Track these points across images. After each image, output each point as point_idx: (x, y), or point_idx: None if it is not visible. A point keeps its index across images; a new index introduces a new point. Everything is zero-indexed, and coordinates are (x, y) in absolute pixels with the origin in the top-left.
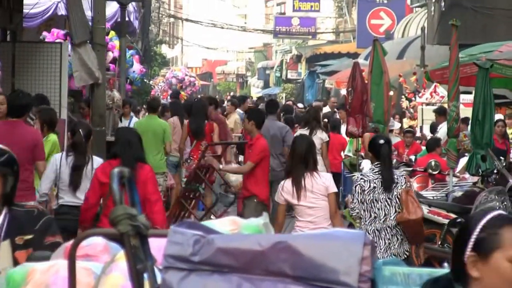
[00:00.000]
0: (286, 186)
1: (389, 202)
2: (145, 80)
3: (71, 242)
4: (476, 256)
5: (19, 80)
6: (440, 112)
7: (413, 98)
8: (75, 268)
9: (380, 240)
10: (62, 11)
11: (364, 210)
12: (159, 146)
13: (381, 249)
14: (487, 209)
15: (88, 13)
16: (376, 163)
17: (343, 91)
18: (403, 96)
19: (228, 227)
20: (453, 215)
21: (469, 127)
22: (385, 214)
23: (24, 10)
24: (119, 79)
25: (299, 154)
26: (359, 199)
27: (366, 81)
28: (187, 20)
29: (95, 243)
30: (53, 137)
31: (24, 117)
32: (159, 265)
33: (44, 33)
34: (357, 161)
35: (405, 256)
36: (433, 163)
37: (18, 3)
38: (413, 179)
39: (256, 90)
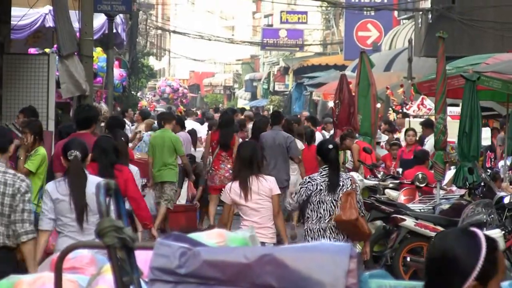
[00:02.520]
0: (233, 188)
1: (335, 204)
2: (133, 92)
3: (57, 254)
4: (478, 284)
5: (7, 92)
6: (427, 125)
7: (400, 111)
8: (61, 281)
9: (325, 239)
10: (49, 23)
11: (311, 210)
12: (169, 157)
13: None
14: (474, 222)
15: (76, 25)
16: (323, 167)
17: (330, 103)
18: (390, 108)
19: (214, 239)
20: (440, 228)
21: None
22: (330, 215)
23: (11, 22)
24: (107, 91)
25: (244, 158)
26: (299, 200)
27: (353, 93)
28: (174, 32)
29: (81, 256)
30: (42, 150)
31: (91, 129)
32: (145, 277)
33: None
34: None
35: None
36: (420, 176)
37: (5, 14)
38: (400, 191)
39: (243, 102)
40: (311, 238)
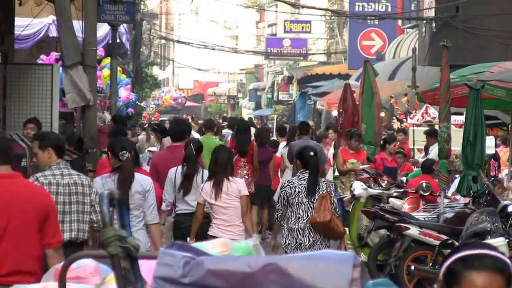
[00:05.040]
0: (205, 188)
1: (311, 205)
2: (137, 102)
3: (61, 264)
4: (443, 282)
5: (11, 102)
6: (431, 134)
7: (404, 119)
8: None
9: (304, 238)
10: (53, 33)
11: (290, 212)
12: None
13: (305, 246)
14: (478, 230)
15: (79, 35)
16: (301, 171)
17: (334, 113)
18: (394, 117)
19: (218, 249)
20: (444, 237)
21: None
22: (307, 215)
23: (15, 32)
24: (111, 101)
25: (221, 161)
26: (283, 203)
27: (357, 102)
28: (178, 41)
29: (85, 265)
30: None
31: (184, 141)
32: (149, 287)
33: (42, 56)
34: (348, 182)
35: None
36: (424, 185)
37: (9, 25)
38: (405, 200)
39: (247, 112)
40: (291, 237)
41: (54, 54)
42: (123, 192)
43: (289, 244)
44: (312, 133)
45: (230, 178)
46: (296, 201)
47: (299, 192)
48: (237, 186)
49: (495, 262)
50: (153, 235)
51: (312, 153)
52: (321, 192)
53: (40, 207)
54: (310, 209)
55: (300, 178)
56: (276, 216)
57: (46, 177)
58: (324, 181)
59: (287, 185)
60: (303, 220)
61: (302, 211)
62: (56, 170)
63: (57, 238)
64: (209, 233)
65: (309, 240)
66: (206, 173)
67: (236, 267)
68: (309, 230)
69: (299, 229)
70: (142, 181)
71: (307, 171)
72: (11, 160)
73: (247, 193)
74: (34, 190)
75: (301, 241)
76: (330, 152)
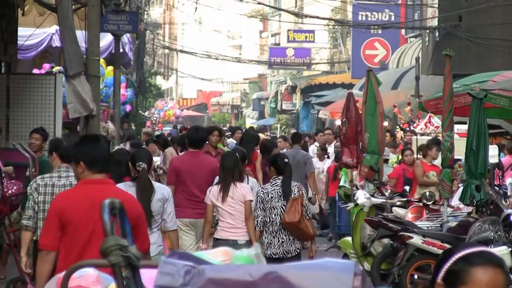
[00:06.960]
0: (213, 191)
1: (284, 209)
2: (140, 112)
3: (63, 273)
4: (444, 286)
5: (14, 112)
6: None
7: (408, 129)
8: None
9: (275, 239)
10: (56, 43)
11: (264, 216)
12: None
13: (275, 246)
14: (481, 239)
15: (83, 45)
16: (274, 177)
17: (338, 122)
18: (397, 127)
19: (220, 257)
20: (447, 246)
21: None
22: (280, 218)
23: (18, 42)
24: (114, 111)
25: (228, 167)
26: (260, 207)
27: (360, 112)
28: (181, 51)
29: (87, 274)
30: None
31: (202, 148)
32: None
33: (35, 70)
34: (352, 192)
35: (296, 253)
36: (427, 194)
37: (12, 35)
38: (408, 209)
39: (251, 121)
40: (265, 238)
41: (46, 67)
42: (144, 200)
43: (261, 243)
44: (304, 143)
45: (237, 183)
46: (269, 205)
47: (272, 197)
48: (242, 191)
49: (495, 257)
50: (171, 241)
51: (286, 160)
52: (292, 195)
53: (128, 214)
54: (283, 212)
55: (273, 184)
56: (256, 222)
57: (43, 179)
58: (296, 185)
59: (261, 190)
60: (276, 223)
61: (275, 215)
62: (55, 173)
63: (145, 245)
64: (215, 236)
65: (279, 240)
66: (252, 180)
67: (237, 276)
68: (280, 232)
69: (273, 231)
70: (162, 189)
71: (279, 177)
72: (108, 171)
73: (251, 198)
74: (124, 197)
75: (271, 241)
76: (327, 162)
